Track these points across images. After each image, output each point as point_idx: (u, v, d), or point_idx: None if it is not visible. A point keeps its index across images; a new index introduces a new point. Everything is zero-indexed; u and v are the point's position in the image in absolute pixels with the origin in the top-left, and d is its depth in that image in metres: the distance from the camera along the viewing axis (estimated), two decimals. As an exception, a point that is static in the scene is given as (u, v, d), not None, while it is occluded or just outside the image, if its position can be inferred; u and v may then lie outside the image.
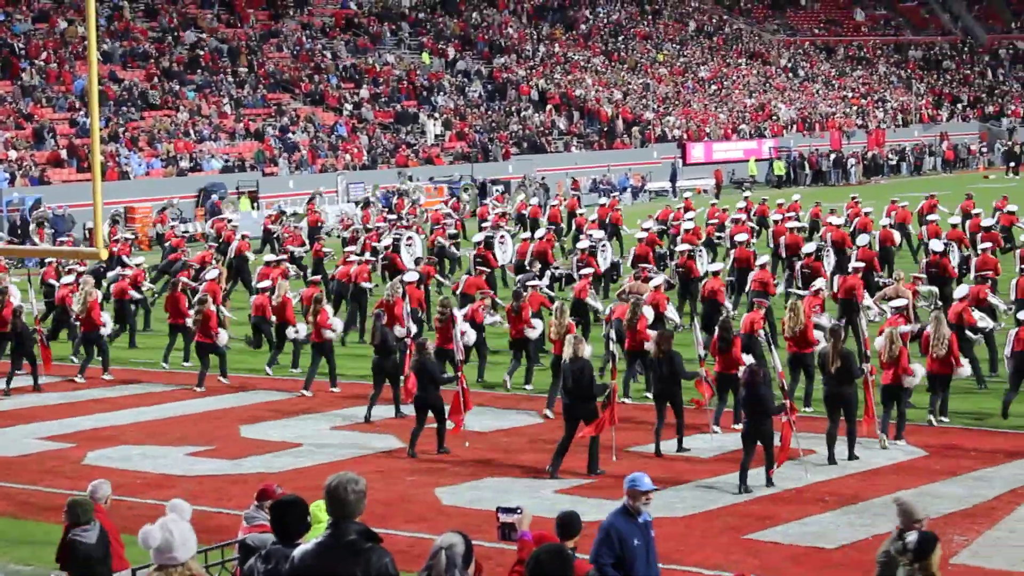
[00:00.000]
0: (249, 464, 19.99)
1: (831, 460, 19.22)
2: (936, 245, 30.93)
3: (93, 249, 11.12)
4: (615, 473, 18.78)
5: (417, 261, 33.80)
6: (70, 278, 29.46)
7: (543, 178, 63.93)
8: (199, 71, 65.65)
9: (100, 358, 27.28)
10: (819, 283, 25.92)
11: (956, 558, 15.09)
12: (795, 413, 18.98)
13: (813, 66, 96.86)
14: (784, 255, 34.04)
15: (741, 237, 33.42)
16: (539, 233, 36.44)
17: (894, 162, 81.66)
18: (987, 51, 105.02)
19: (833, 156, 77.37)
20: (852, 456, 19.26)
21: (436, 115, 70.59)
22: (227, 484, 18.88)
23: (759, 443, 17.82)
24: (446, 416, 20.35)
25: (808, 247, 31.48)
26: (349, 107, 68.33)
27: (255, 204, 55.23)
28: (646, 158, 73.08)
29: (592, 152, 72.67)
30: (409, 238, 37.16)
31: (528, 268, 32.06)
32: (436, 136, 68.91)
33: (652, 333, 21.72)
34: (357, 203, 54.84)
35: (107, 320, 27.61)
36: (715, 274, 28.27)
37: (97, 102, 11.28)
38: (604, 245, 35.42)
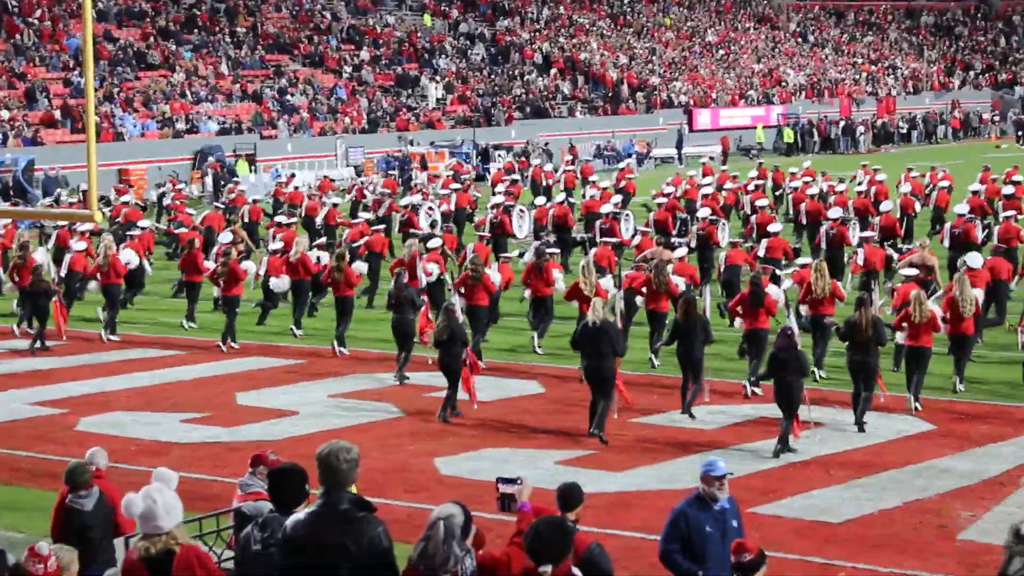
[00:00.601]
0: (245, 432, 19.99)
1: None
2: (962, 208, 31.22)
3: (87, 211, 11.08)
4: (617, 443, 18.81)
5: (433, 225, 33.92)
6: (81, 244, 29.69)
7: (546, 143, 63.93)
8: (196, 31, 65.48)
9: (106, 314, 27.51)
10: (804, 260, 26.08)
11: (964, 534, 15.09)
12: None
13: (823, 31, 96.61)
14: (805, 222, 34.16)
15: (762, 202, 33.90)
16: (558, 199, 36.74)
17: (904, 130, 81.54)
18: (1001, 17, 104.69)
19: (842, 123, 77.29)
20: (861, 427, 19.29)
21: (438, 78, 70.43)
22: (222, 452, 18.89)
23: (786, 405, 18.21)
24: (459, 386, 20.54)
25: (835, 212, 31.67)
26: (349, 69, 68.17)
27: (253, 168, 55.15)
28: (651, 124, 72.96)
29: (596, 117, 72.55)
30: (430, 207, 37.59)
31: (545, 234, 32.20)
32: (437, 100, 68.77)
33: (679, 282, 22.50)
34: (358, 169, 54.85)
35: (131, 257, 28.55)
36: (734, 244, 28.61)
37: (92, 62, 11.23)
38: (628, 214, 35.68)
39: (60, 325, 27.02)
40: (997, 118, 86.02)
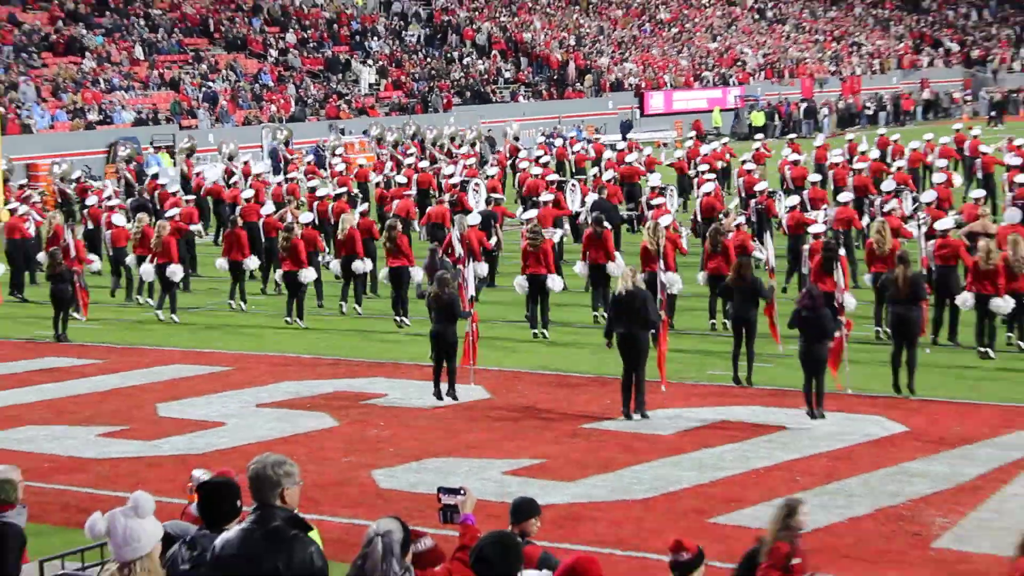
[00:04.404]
0: (167, 446, 19.91)
1: (895, 387, 21.37)
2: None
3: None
4: (567, 451, 18.83)
5: (488, 201, 34.71)
6: (121, 219, 32.16)
7: (489, 130, 63.93)
8: (108, 13, 65.10)
9: (157, 297, 29.58)
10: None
11: (938, 542, 15.19)
12: (851, 328, 21.37)
13: (782, 7, 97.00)
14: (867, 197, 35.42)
15: (815, 177, 36.17)
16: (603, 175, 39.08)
17: (871, 112, 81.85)
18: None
19: (804, 105, 77.48)
20: (910, 390, 21.16)
21: (370, 62, 70.32)
22: (142, 468, 18.81)
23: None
24: (458, 358, 21.68)
25: (887, 186, 33.37)
26: (274, 53, 67.98)
27: (174, 160, 54.82)
28: (601, 108, 73.12)
29: (541, 103, 72.61)
30: (476, 183, 39.28)
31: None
32: (370, 85, 68.68)
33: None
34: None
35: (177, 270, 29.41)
36: (792, 209, 30.63)
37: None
38: (672, 189, 38.53)
39: (82, 306, 28.60)
40: (969, 97, 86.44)
